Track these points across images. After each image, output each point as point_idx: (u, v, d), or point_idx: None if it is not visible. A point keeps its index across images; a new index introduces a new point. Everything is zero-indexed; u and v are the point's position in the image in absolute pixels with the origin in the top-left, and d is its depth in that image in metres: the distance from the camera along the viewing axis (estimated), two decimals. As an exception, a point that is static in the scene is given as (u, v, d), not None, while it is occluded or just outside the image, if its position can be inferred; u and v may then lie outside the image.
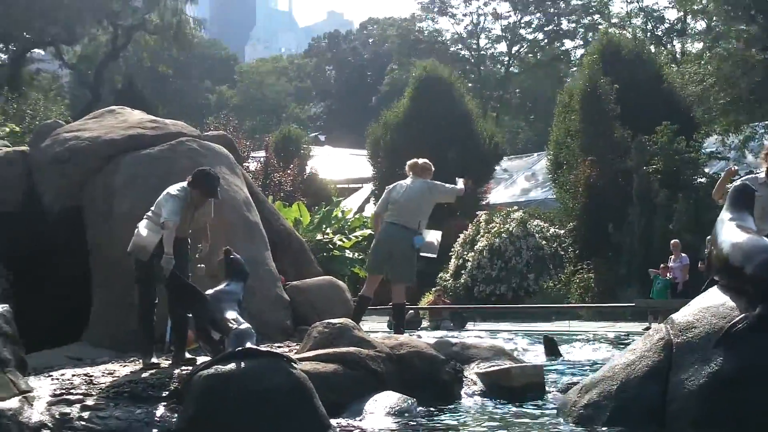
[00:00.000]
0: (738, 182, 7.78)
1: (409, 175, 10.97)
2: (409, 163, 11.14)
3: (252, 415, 6.45)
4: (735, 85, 26.88)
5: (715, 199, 8.89)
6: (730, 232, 6.76)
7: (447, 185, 10.88)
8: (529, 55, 57.84)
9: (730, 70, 26.96)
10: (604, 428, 6.25)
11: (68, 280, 10.42)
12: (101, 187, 10.81)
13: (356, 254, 24.22)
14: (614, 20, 51.00)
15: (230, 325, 7.31)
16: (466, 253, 25.54)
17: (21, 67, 43.04)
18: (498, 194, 34.87)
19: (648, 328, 16.23)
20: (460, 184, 10.92)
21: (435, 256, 11.21)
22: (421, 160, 11.11)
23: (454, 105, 33.38)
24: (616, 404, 6.32)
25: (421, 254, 10.90)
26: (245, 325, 7.31)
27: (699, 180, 23.63)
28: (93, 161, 11.12)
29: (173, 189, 8.23)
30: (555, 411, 7.20)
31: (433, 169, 11.09)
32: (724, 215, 7.11)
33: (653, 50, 36.74)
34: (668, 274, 19.25)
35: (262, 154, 34.60)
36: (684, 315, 6.61)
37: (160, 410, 6.74)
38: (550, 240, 25.29)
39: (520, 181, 36.66)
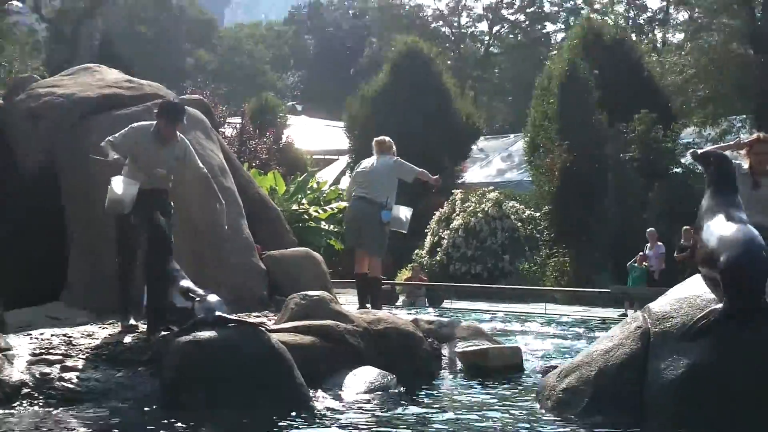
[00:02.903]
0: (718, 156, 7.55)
1: (375, 151, 11.04)
2: (376, 139, 11.25)
3: (230, 383, 6.44)
4: (714, 77, 26.98)
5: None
6: (714, 220, 6.72)
7: (411, 165, 10.92)
8: (510, 36, 57.72)
9: (710, 63, 27.05)
10: (582, 413, 6.27)
11: (46, 239, 10.30)
12: (75, 145, 10.62)
13: (331, 226, 24.12)
14: (596, 6, 51.02)
15: (198, 292, 7.27)
16: (441, 230, 25.55)
17: (-1, 19, 42.39)
18: (474, 174, 34.85)
19: (624, 315, 16.34)
20: (428, 175, 10.98)
21: (405, 232, 11.24)
22: (387, 138, 11.17)
23: (432, 82, 33.28)
24: (594, 390, 6.34)
25: (392, 229, 10.92)
26: (214, 295, 7.28)
27: (675, 170, 23.70)
28: (67, 118, 10.93)
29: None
30: (533, 395, 7.23)
31: (394, 147, 11.15)
32: (711, 201, 7.00)
33: (634, 38, 36.80)
34: (645, 263, 19.36)
35: (237, 120, 34.31)
36: (661, 305, 6.63)
37: (139, 374, 6.72)
38: (525, 222, 25.33)
39: (496, 162, 36.64)
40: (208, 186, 8.52)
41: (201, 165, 8.48)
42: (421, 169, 10.94)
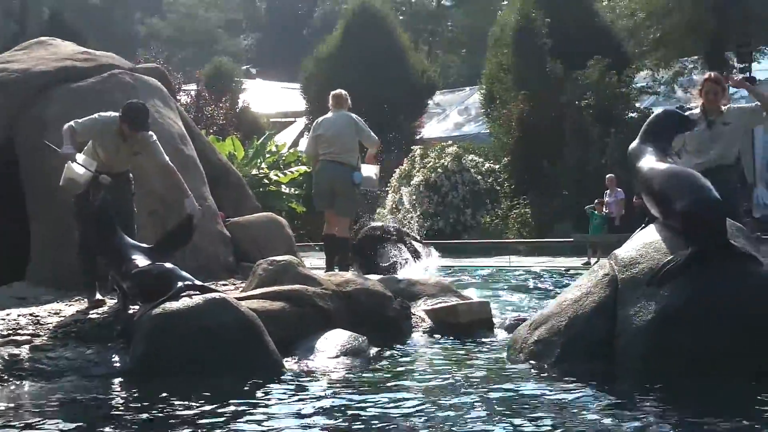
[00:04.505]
0: (661, 111, 7.78)
1: (331, 105, 10.89)
2: (333, 93, 11.04)
3: (202, 352, 6.41)
4: (665, 19, 26.97)
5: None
6: (660, 167, 6.80)
7: (370, 132, 10.81)
8: (461, -13, 57.39)
9: (660, 5, 27.02)
10: (554, 364, 6.32)
11: (8, 216, 10.18)
12: (33, 119, 10.53)
13: (293, 189, 24.08)
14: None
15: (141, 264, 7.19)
16: (402, 187, 25.56)
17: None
18: (431, 129, 34.83)
19: (587, 263, 16.45)
20: (375, 169, 10.90)
21: (376, 189, 11.25)
22: (343, 92, 11.04)
23: (386, 38, 33.21)
24: (565, 340, 6.38)
25: (362, 188, 10.88)
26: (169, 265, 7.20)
27: (630, 115, 23.80)
28: (24, 94, 10.84)
29: (102, 113, 8.10)
30: (505, 348, 7.27)
31: (349, 101, 11.05)
32: (646, 147, 7.16)
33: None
34: (604, 210, 19.51)
35: (193, 87, 34.05)
36: (627, 251, 6.67)
37: (110, 350, 6.68)
38: (485, 175, 25.37)
39: (453, 116, 36.60)
40: (175, 179, 8.36)
41: (165, 158, 8.32)
42: (377, 141, 10.87)
